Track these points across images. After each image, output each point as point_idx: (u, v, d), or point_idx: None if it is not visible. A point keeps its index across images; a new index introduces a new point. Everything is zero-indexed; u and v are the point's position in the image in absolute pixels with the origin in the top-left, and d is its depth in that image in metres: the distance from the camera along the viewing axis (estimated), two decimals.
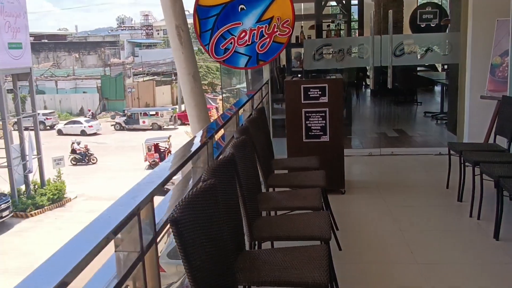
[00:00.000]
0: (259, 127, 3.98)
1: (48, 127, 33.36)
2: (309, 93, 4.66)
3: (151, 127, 33.34)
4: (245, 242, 2.57)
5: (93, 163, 26.25)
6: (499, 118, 4.80)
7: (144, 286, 1.48)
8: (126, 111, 35.12)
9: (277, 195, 3.42)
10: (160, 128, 33.27)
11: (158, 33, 57.30)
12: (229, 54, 5.78)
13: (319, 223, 2.74)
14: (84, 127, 33.18)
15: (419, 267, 3.30)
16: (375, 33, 6.31)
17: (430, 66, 10.42)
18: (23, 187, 20.50)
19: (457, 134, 6.46)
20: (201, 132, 2.82)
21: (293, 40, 6.96)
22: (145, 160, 25.30)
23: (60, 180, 21.25)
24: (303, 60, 7.49)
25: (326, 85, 4.64)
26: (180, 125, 33.70)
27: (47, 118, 33.75)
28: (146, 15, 60.30)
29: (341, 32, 7.84)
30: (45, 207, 19.93)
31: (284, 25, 5.71)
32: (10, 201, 18.61)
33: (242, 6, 5.79)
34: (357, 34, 8.77)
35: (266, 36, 5.71)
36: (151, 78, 41.66)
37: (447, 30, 7.63)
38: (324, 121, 4.70)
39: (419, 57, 6.35)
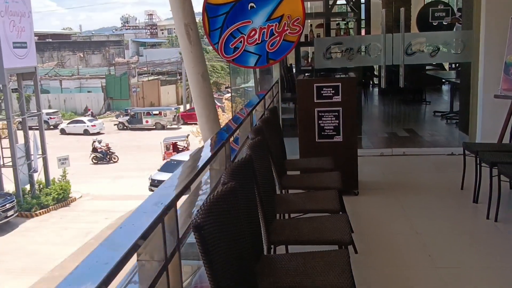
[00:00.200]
0: (272, 127, 3.90)
1: (51, 127, 33.39)
2: (322, 92, 4.57)
3: (154, 127, 33.28)
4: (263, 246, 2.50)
5: (114, 162, 26.07)
6: None
7: None
8: (129, 111, 35.07)
9: (293, 197, 3.33)
10: (163, 127, 33.21)
11: (162, 33, 57.31)
12: (238, 53, 5.70)
13: (338, 227, 2.66)
14: (87, 126, 33.17)
15: (438, 272, 3.21)
16: (383, 32, 6.21)
17: (438, 65, 10.31)
18: (27, 187, 20.48)
19: (469, 133, 6.35)
20: (216, 134, 2.74)
21: (302, 39, 6.86)
22: (164, 159, 25.14)
23: (65, 180, 21.22)
24: (314, 58, 7.40)
25: (340, 84, 4.55)
26: (183, 124, 33.63)
27: (50, 118, 33.77)
28: (151, 14, 60.33)
29: (350, 31, 7.75)
30: (50, 207, 19.90)
31: (295, 24, 5.62)
32: (15, 201, 18.58)
33: (251, 4, 5.70)
34: (363, 33, 8.67)
35: (276, 34, 5.63)
36: (156, 77, 41.64)
37: (454, 28, 7.53)
38: (337, 121, 4.61)
39: (431, 56, 6.24)
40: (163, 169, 21.59)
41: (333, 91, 4.58)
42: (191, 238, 1.63)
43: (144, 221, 1.22)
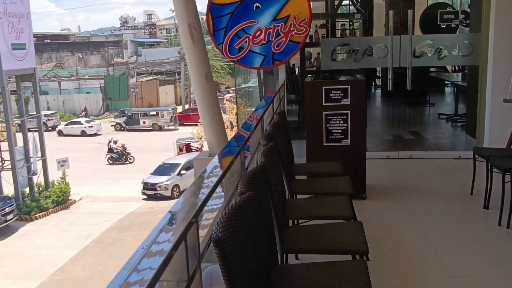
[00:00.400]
0: (281, 131, 3.81)
1: (50, 128, 33.22)
2: (330, 95, 4.48)
3: (151, 128, 33.13)
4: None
5: (130, 162, 25.86)
6: None
7: None
8: (126, 112, 34.90)
9: (303, 203, 3.24)
10: (160, 128, 33.06)
11: (161, 32, 57.22)
12: (243, 53, 5.61)
13: (353, 235, 2.57)
14: (84, 127, 33.03)
15: (453, 281, 3.13)
16: (387, 34, 6.14)
17: (441, 67, 10.24)
18: (27, 190, 20.33)
19: (476, 137, 6.26)
20: (229, 142, 2.64)
21: (307, 39, 6.77)
22: None
23: (64, 182, 21.07)
24: (318, 59, 7.31)
25: (349, 86, 4.46)
26: (180, 125, 33.50)
27: (49, 119, 33.60)
28: (149, 14, 60.23)
29: (356, 32, 7.66)
30: (50, 210, 19.75)
31: (301, 24, 5.53)
32: (15, 204, 18.39)
33: (257, 4, 5.61)
34: (375, 34, 8.59)
35: (282, 35, 5.53)
36: (154, 77, 41.50)
37: (458, 31, 7.45)
38: (345, 124, 4.52)
39: (438, 58, 6.15)
40: (156, 172, 21.45)
41: (342, 94, 4.49)
42: None
43: (166, 241, 1.12)
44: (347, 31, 7.28)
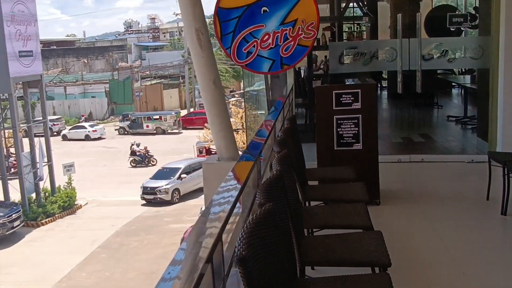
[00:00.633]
0: (293, 136, 3.74)
1: (55, 133, 33.29)
2: (341, 99, 4.41)
3: (155, 131, 33.15)
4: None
5: (153, 165, 25.75)
6: None
7: None
8: (130, 116, 34.96)
9: (318, 211, 3.16)
10: (164, 132, 33.08)
11: (164, 36, 57.38)
12: (252, 58, 5.53)
13: (373, 246, 2.49)
14: (88, 131, 33.09)
15: None
16: (392, 36, 6.07)
17: (449, 69, 10.14)
18: (33, 195, 20.33)
19: (488, 140, 6.16)
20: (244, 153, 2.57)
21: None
22: None
23: (70, 187, 21.06)
24: (326, 62, 7.24)
25: (359, 90, 4.39)
26: (184, 129, 33.51)
27: (54, 124, 33.65)
28: (153, 18, 60.43)
29: (363, 34, 7.59)
30: (56, 215, 19.72)
31: (309, 28, 5.44)
32: (21, 211, 18.35)
33: (264, 8, 5.53)
34: (381, 37, 8.50)
35: (290, 39, 5.45)
36: (158, 81, 41.54)
37: (463, 33, 7.36)
38: (356, 128, 4.44)
39: (448, 61, 6.07)
40: (155, 177, 21.32)
41: (353, 98, 4.41)
42: None
43: (190, 265, 1.05)
44: (354, 34, 7.22)
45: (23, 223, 18.30)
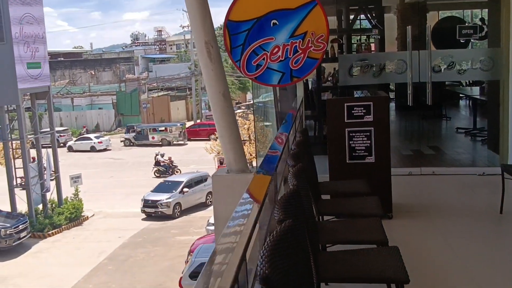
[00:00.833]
0: (305, 149, 3.72)
1: (61, 144, 33.44)
2: (352, 111, 4.39)
3: (160, 143, 33.23)
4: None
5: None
6: None
7: None
8: (135, 127, 35.11)
9: (333, 226, 3.13)
10: (169, 143, 33.16)
11: (171, 48, 57.82)
12: (261, 70, 5.51)
13: (390, 262, 2.45)
14: (94, 143, 33.23)
15: None
16: (399, 48, 6.06)
17: (456, 81, 10.10)
18: (40, 206, 20.36)
19: (500, 153, 6.10)
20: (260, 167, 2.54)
21: None
22: None
23: (77, 198, 21.08)
24: (335, 75, 7.24)
25: (371, 103, 4.37)
26: (189, 140, 33.55)
27: (60, 136, 33.83)
28: (160, 30, 60.98)
29: (371, 47, 7.59)
30: (63, 226, 19.71)
31: (319, 40, 5.43)
32: (28, 222, 18.38)
33: (274, 21, 5.53)
34: (388, 49, 8.49)
35: (300, 51, 5.46)
36: (165, 93, 41.75)
37: (470, 45, 7.34)
38: (369, 141, 4.42)
39: (458, 73, 6.04)
40: (157, 189, 21.19)
41: (365, 111, 4.39)
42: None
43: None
44: (363, 46, 7.22)
45: (29, 234, 18.32)
